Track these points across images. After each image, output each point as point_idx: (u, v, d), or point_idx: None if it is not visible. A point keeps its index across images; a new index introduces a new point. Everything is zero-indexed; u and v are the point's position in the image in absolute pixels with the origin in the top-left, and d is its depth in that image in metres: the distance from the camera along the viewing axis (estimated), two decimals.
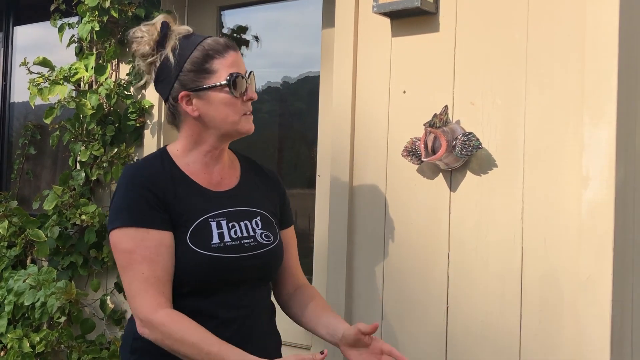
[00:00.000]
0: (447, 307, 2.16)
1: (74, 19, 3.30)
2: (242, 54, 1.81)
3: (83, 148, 3.15)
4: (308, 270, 2.75)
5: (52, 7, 3.26)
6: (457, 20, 2.19)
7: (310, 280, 2.72)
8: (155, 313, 1.58)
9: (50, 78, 3.16)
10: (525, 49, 2.06)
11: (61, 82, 3.15)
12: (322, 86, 2.71)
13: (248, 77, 1.72)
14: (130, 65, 3.14)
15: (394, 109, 2.30)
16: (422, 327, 2.20)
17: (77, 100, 3.09)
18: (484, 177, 2.12)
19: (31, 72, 3.23)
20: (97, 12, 3.06)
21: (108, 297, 3.12)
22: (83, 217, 3.06)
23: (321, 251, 2.64)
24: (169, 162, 1.73)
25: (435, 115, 2.12)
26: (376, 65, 2.35)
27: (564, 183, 1.97)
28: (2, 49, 4.10)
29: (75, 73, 3.16)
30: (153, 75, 1.73)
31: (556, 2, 2.01)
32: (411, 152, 2.19)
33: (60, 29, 3.26)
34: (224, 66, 1.69)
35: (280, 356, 1.83)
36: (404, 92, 2.28)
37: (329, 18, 2.65)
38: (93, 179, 3.18)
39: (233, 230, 1.71)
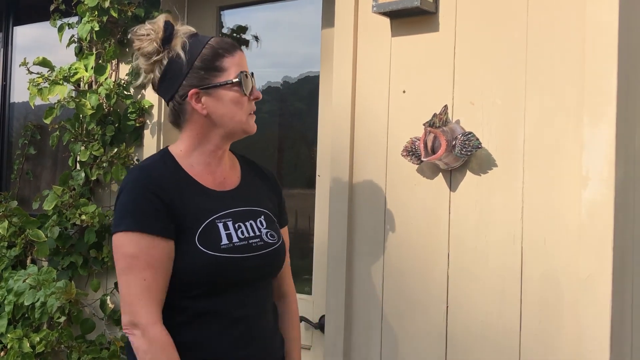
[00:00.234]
0: (447, 306, 2.16)
1: (74, 19, 3.30)
2: None
3: (83, 148, 3.15)
4: (308, 270, 2.75)
5: (52, 7, 3.25)
6: (457, 20, 2.19)
7: (309, 280, 2.74)
8: (154, 325, 1.61)
9: (50, 78, 3.16)
10: (525, 49, 2.06)
11: (61, 82, 3.15)
12: (322, 86, 2.71)
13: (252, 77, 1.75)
14: (130, 65, 3.15)
15: (393, 108, 2.30)
16: (421, 327, 2.20)
17: (77, 100, 3.09)
18: (483, 177, 2.12)
19: (31, 72, 3.23)
20: (96, 12, 3.06)
21: (108, 297, 3.12)
22: (83, 217, 3.06)
23: (321, 251, 2.64)
24: (172, 163, 1.73)
25: (434, 115, 2.12)
26: (376, 65, 2.35)
27: (564, 183, 1.97)
28: (2, 49, 4.10)
29: (75, 73, 3.16)
30: (157, 74, 1.73)
31: (556, 2, 2.01)
32: (411, 152, 2.19)
33: (60, 29, 3.26)
34: (233, 65, 1.71)
35: (284, 355, 1.86)
36: (404, 91, 2.28)
37: (328, 18, 2.65)
38: (93, 179, 3.17)
39: (240, 230, 1.72)
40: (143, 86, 3.14)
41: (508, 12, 2.09)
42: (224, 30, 3.18)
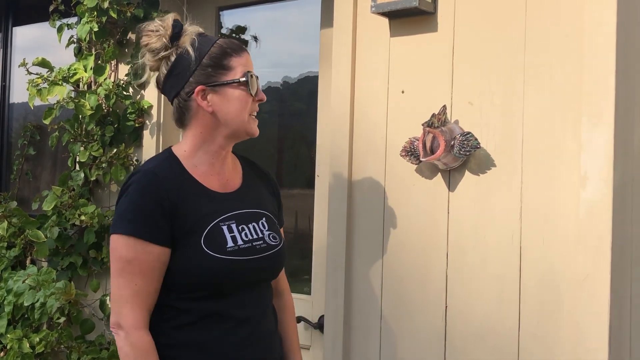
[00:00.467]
0: (446, 307, 2.16)
1: (73, 20, 3.30)
2: None
3: (82, 149, 3.15)
4: (307, 270, 2.75)
5: (51, 8, 3.26)
6: (456, 20, 2.19)
7: (309, 280, 2.74)
8: (138, 330, 1.64)
9: (49, 79, 3.16)
10: (524, 49, 2.06)
11: (60, 82, 3.15)
12: (321, 86, 2.72)
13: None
14: (130, 65, 3.15)
15: (392, 108, 2.31)
16: (420, 327, 2.20)
17: (76, 100, 3.09)
18: (482, 177, 2.12)
19: (30, 73, 3.23)
20: (95, 13, 3.06)
21: (107, 298, 3.12)
22: (82, 217, 3.06)
23: (320, 251, 2.64)
24: (177, 165, 1.74)
25: (433, 115, 2.12)
26: (375, 65, 2.35)
27: (562, 183, 1.97)
28: (1, 50, 4.10)
29: (74, 74, 3.16)
30: (164, 70, 1.74)
31: (554, 3, 2.01)
32: (410, 152, 2.20)
33: (59, 30, 3.26)
34: (240, 64, 1.73)
35: (282, 354, 1.89)
36: (403, 92, 2.28)
37: (327, 18, 2.65)
38: (92, 179, 3.17)
39: (244, 232, 1.74)
40: (143, 86, 3.14)
41: (506, 12, 2.09)
42: (223, 31, 3.18)
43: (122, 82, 3.15)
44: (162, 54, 1.73)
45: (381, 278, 2.30)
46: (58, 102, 3.15)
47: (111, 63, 3.22)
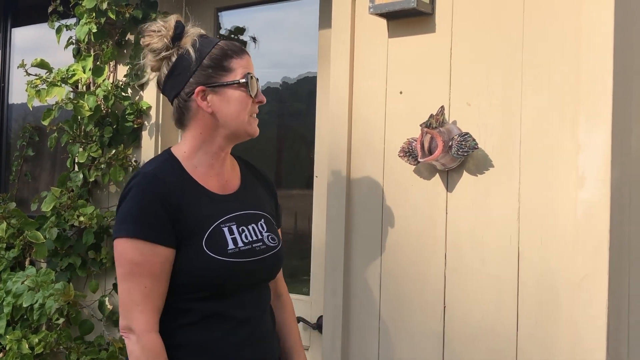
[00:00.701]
0: (444, 307, 2.16)
1: (72, 21, 3.30)
2: None
3: (81, 149, 3.16)
4: (306, 271, 2.76)
5: (50, 9, 3.26)
6: (454, 21, 2.19)
7: (307, 280, 2.74)
8: (149, 333, 1.63)
9: (47, 80, 3.16)
10: (521, 50, 2.06)
11: (59, 83, 3.15)
12: (320, 87, 2.72)
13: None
14: (128, 66, 3.15)
15: (390, 109, 2.31)
16: (419, 327, 2.21)
17: (75, 101, 3.09)
18: (480, 177, 2.12)
19: (29, 74, 3.23)
20: (94, 14, 3.06)
21: (106, 299, 3.13)
22: (81, 218, 3.06)
23: (319, 251, 2.64)
24: (177, 167, 1.74)
25: (431, 116, 2.12)
26: (373, 65, 2.35)
27: (560, 183, 1.97)
28: (0, 51, 4.10)
29: (73, 75, 3.16)
30: (165, 70, 1.75)
31: (552, 3, 2.02)
32: (408, 153, 2.20)
33: (58, 31, 3.26)
34: (241, 66, 1.74)
35: (280, 355, 1.93)
36: (401, 92, 2.29)
37: (325, 19, 2.66)
38: (91, 180, 3.18)
39: (244, 234, 1.75)
40: (142, 87, 3.15)
41: (504, 13, 2.10)
42: (222, 32, 3.18)
43: (120, 83, 3.15)
44: (163, 54, 1.74)
45: (380, 278, 2.30)
46: (57, 103, 3.15)
47: (110, 64, 3.22)
